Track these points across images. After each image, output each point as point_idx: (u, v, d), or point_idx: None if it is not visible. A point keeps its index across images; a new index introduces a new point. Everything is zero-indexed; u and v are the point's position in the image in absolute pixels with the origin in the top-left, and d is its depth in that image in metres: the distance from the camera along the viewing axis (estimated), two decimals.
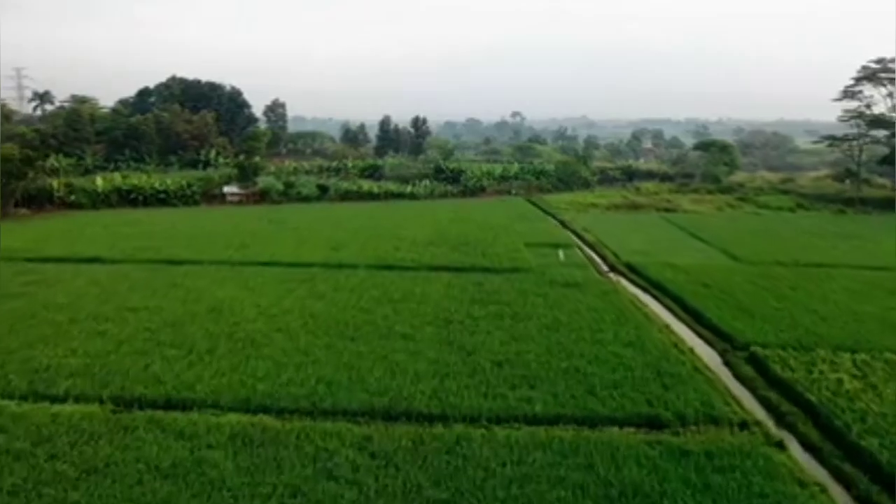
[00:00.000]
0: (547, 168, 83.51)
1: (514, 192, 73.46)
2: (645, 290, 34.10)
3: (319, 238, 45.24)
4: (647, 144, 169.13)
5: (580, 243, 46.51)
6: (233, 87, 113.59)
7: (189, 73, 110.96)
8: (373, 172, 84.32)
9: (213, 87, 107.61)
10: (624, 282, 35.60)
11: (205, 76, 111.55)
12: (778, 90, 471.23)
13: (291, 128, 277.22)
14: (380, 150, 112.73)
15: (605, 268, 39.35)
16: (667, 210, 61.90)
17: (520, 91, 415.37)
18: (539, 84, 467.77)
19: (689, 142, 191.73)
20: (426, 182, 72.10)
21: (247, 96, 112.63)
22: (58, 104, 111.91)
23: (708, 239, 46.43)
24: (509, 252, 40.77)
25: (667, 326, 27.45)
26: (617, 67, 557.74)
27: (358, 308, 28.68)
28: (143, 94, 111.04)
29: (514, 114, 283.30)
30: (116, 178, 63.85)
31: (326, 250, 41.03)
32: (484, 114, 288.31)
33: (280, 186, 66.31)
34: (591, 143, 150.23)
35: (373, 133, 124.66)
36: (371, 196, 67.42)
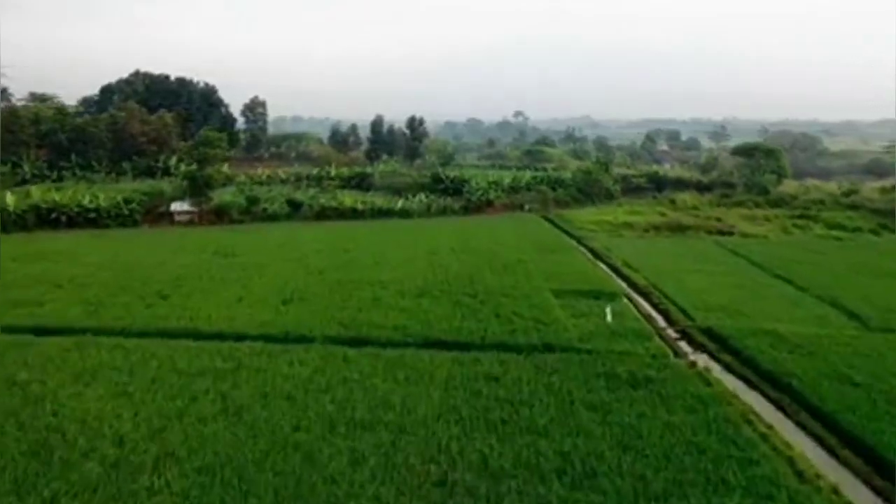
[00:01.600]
0: (564, 177, 71.35)
1: (527, 207, 61.30)
2: (750, 383, 22.08)
3: (272, 282, 33.17)
4: (663, 146, 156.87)
5: (626, 287, 34.41)
6: (206, 84, 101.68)
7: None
8: (361, 181, 72.21)
9: (183, 84, 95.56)
10: (714, 368, 23.47)
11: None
12: (783, 89, 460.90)
13: (289, 128, 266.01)
14: (371, 154, 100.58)
15: (672, 332, 27.36)
16: (721, 233, 49.82)
17: (521, 91, 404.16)
18: (541, 83, 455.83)
19: (706, 143, 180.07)
20: (421, 196, 59.88)
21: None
22: (15, 101, 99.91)
23: (802, 283, 34.24)
24: (534, 309, 28.67)
25: (836, 492, 15.35)
26: (619, 67, 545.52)
27: (292, 445, 16.72)
28: (107, 91, 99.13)
29: (517, 113, 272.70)
30: (34, 193, 51.70)
31: (274, 306, 28.95)
32: (485, 114, 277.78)
33: (242, 202, 54.20)
34: (603, 146, 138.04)
35: (366, 134, 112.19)
36: (354, 214, 55.33)
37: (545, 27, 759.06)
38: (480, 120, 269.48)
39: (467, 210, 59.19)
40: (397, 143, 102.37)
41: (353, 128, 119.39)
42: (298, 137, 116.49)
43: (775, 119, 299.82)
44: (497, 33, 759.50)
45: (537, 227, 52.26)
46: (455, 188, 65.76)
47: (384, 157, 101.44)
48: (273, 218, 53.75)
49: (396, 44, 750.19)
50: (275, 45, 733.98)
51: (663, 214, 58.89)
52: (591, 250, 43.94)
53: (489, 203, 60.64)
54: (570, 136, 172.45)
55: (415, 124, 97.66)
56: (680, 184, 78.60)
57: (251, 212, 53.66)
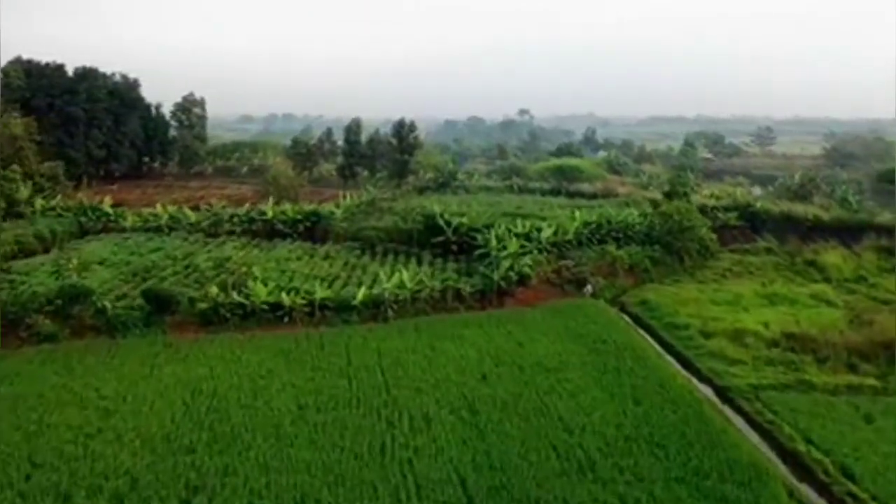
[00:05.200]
0: (630, 220, 45.40)
1: (589, 287, 35.25)
2: None
3: None
4: (704, 152, 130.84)
5: None
6: (124, 78, 75.61)
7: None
8: (313, 226, 46.50)
9: (83, 77, 69.40)
10: None
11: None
12: (790, 87, 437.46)
13: (281, 127, 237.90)
14: (345, 171, 74.97)
15: None
16: None
17: (523, 88, 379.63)
18: (543, 81, 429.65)
19: (752, 149, 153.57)
20: (403, 273, 33.25)
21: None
22: None
23: None
24: None
25: None
26: (622, 64, 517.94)
27: None
28: None
29: (522, 112, 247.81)
30: None
31: None
32: (487, 112, 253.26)
33: (54, 298, 28.40)
34: (641, 154, 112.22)
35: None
36: (272, 315, 29.51)
37: (547, 24, 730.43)
38: (482, 118, 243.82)
39: (485, 296, 33.27)
40: (380, 153, 76.40)
41: (329, 133, 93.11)
42: (255, 146, 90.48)
43: (784, 116, 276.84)
44: (498, 31, 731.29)
45: (629, 353, 26.22)
46: (462, 245, 40.30)
47: (363, 173, 76.03)
48: (117, 329, 27.93)
49: (395, 41, 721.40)
50: (272, 43, 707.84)
51: (830, 303, 33.42)
52: (821, 483, 18.39)
53: (522, 280, 34.69)
54: (589, 140, 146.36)
55: (404, 132, 71.63)
56: (790, 223, 52.99)
57: (73, 318, 27.94)
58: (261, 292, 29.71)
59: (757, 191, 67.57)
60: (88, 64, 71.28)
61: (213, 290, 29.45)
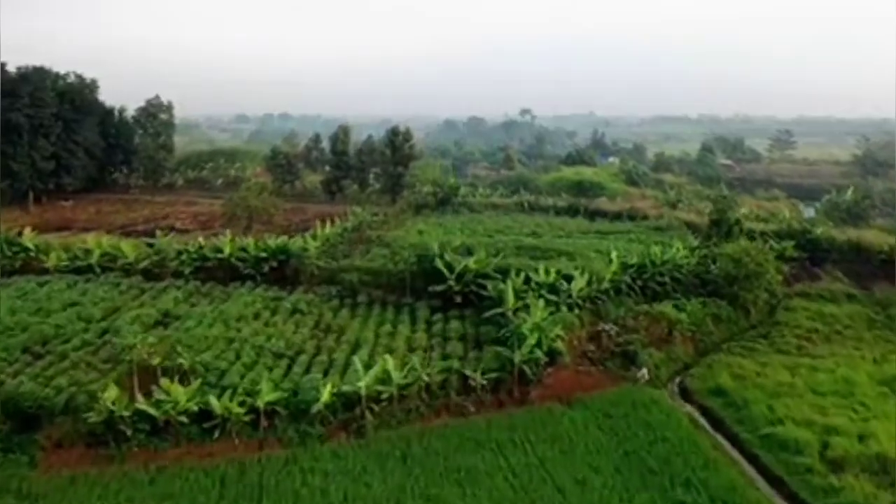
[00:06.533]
0: (679, 259, 35.94)
1: (643, 371, 25.89)
2: None
3: None
4: (723, 159, 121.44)
5: None
6: (79, 78, 66.27)
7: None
8: (281, 265, 37.15)
9: (27, 77, 60.00)
10: None
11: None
12: (794, 86, 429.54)
13: (277, 126, 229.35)
14: (331, 186, 65.68)
15: None
16: None
17: (524, 88, 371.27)
18: (543, 80, 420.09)
19: (773, 153, 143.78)
20: (385, 361, 23.24)
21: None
22: None
23: None
24: None
25: None
26: (622, 63, 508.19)
27: None
28: None
29: (524, 112, 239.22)
30: None
31: None
32: (488, 112, 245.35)
33: None
34: (661, 163, 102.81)
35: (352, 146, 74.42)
36: (196, 428, 20.36)
37: (547, 23, 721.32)
38: (483, 118, 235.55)
39: (502, 383, 24.07)
40: (372, 163, 67.14)
41: (316, 139, 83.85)
42: (234, 155, 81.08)
43: (788, 116, 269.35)
44: (498, 31, 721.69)
45: None
46: (468, 295, 31.12)
47: (353, 187, 66.89)
48: None
49: (395, 40, 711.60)
50: (270, 41, 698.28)
51: None
52: None
53: (552, 358, 25.32)
54: (598, 144, 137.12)
55: (398, 140, 62.31)
56: (859, 255, 43.96)
57: None
58: (179, 396, 20.42)
59: (810, 212, 58.06)
60: (80, 64, 62.88)
61: (111, 393, 20.17)
